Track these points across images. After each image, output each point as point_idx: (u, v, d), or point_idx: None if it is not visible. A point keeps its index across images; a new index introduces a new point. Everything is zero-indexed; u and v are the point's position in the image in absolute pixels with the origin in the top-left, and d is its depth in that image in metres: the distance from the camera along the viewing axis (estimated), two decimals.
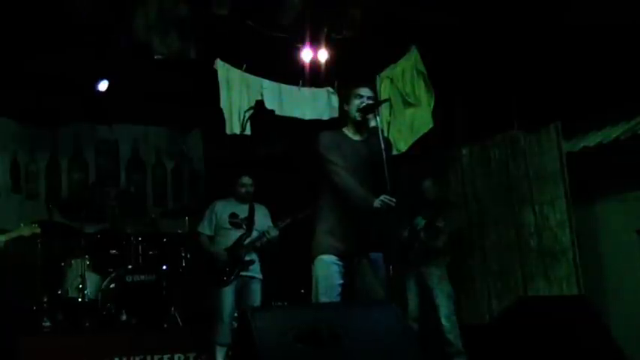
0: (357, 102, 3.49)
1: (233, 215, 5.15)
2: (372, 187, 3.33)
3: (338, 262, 3.39)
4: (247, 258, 5.02)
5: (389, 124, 5.40)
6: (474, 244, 5.85)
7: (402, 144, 5.51)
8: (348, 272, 3.43)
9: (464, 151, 6.01)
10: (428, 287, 5.22)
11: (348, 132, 3.53)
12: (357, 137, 3.52)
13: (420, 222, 5.31)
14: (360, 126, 3.47)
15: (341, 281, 3.39)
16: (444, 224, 5.22)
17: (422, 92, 5.46)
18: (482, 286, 5.74)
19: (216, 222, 5.13)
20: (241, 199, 5.20)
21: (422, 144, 5.56)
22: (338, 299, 3.36)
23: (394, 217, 3.32)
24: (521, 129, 5.52)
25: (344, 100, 3.62)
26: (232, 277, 4.92)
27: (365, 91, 3.53)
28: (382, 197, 3.22)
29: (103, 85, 6.00)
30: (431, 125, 5.42)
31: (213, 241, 5.13)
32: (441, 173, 6.05)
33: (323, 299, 3.35)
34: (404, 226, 5.34)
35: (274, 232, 4.99)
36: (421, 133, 5.46)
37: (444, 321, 5.07)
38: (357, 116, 3.45)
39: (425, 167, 6.10)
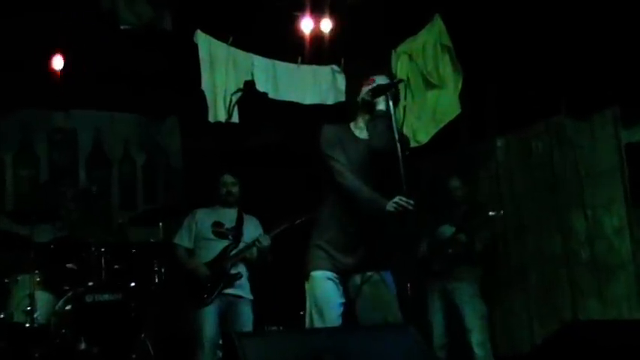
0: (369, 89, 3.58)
1: (217, 224, 5.21)
2: (383, 189, 3.39)
3: (335, 279, 3.46)
4: (233, 271, 5.07)
5: (404, 108, 5.50)
6: (510, 255, 5.89)
7: (422, 134, 5.58)
8: (351, 290, 3.49)
9: (498, 143, 6.03)
10: (456, 307, 5.29)
11: (355, 128, 3.62)
12: (362, 134, 3.61)
13: (447, 230, 5.35)
14: (370, 110, 3.54)
15: (341, 300, 3.46)
16: (477, 232, 5.29)
17: (447, 71, 5.50)
18: (521, 307, 5.76)
19: (196, 232, 5.21)
20: (226, 203, 5.27)
21: (446, 134, 5.58)
22: (339, 321, 3.42)
23: (412, 224, 3.35)
24: (570, 115, 5.55)
25: (353, 90, 3.70)
26: (215, 295, 4.97)
27: (382, 79, 3.61)
28: (396, 199, 3.25)
29: (57, 62, 5.91)
30: (458, 111, 5.47)
31: (193, 255, 5.21)
32: (470, 170, 6.08)
33: (318, 323, 3.40)
34: (424, 236, 5.41)
35: (266, 241, 5.02)
36: (446, 121, 5.51)
37: (476, 349, 5.11)
38: (368, 96, 3.52)
39: (450, 163, 6.19)
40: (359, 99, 3.61)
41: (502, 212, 5.29)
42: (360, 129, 3.63)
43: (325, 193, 3.59)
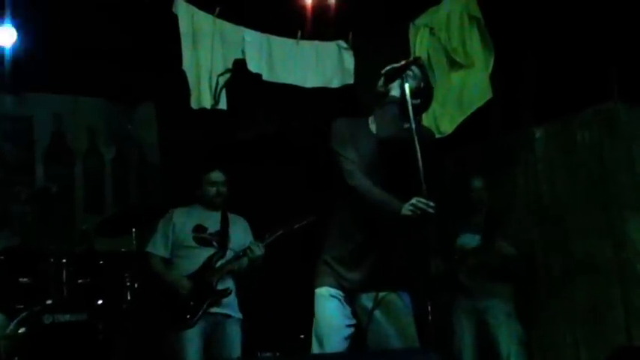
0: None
1: (199, 228, 5.21)
2: (400, 192, 3.39)
3: (340, 297, 3.51)
4: (220, 287, 5.06)
5: None
6: (550, 267, 5.85)
7: (445, 123, 5.57)
8: (360, 313, 3.52)
9: (537, 134, 5.99)
10: (489, 329, 5.30)
11: (372, 123, 3.64)
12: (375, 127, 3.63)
13: (469, 239, 5.40)
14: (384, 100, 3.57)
15: (348, 322, 3.50)
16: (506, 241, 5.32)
17: (475, 47, 5.50)
18: (565, 330, 5.72)
19: (174, 238, 5.21)
20: (210, 205, 5.28)
21: (475, 124, 5.56)
22: (344, 344, 3.46)
23: (434, 231, 3.47)
24: (623, 101, 5.51)
25: (363, 70, 3.73)
26: (199, 315, 4.96)
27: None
28: (414, 200, 3.25)
29: (7, 36, 5.92)
30: (488, 96, 5.45)
31: (170, 266, 5.21)
32: (502, 166, 6.05)
33: (316, 348, 3.45)
34: (443, 246, 5.45)
35: (259, 250, 5.03)
36: (474, 108, 5.49)
37: None
38: (381, 86, 3.54)
39: (479, 158, 6.17)
40: (376, 90, 3.61)
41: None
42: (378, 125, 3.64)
43: (336, 197, 3.62)
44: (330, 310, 3.49)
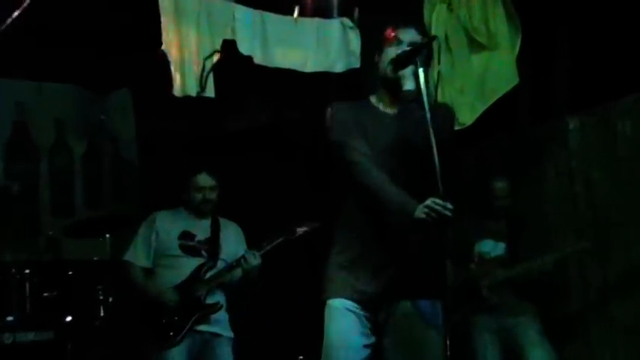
0: (392, 51, 3.51)
1: (186, 235, 5.23)
2: (416, 188, 3.34)
3: (359, 311, 3.44)
4: (209, 301, 5.06)
5: (439, 75, 5.52)
6: (587, 281, 5.84)
7: (465, 113, 5.55)
8: (380, 328, 3.46)
9: (571, 125, 6.00)
10: (517, 350, 5.30)
11: (378, 102, 3.61)
12: (391, 110, 3.60)
13: (491, 249, 5.42)
14: (395, 90, 3.52)
15: (366, 341, 3.42)
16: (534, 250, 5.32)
17: (500, 26, 5.49)
18: (604, 352, 5.73)
19: (157, 246, 5.22)
20: (198, 211, 5.29)
21: (499, 114, 5.54)
22: None
23: (450, 237, 3.28)
24: None
25: (375, 49, 3.65)
26: (184, 332, 4.95)
27: (409, 34, 3.54)
28: (429, 202, 3.19)
29: None
30: (515, 82, 5.45)
31: (152, 277, 5.22)
32: (531, 162, 6.02)
33: None
34: (460, 257, 5.42)
35: (255, 260, 5.02)
36: (498, 95, 5.48)
37: None
38: (389, 71, 3.48)
39: (504, 153, 6.16)
40: (381, 71, 3.55)
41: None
42: (385, 103, 3.60)
43: (341, 194, 3.57)
44: (346, 327, 3.42)
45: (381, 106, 3.57)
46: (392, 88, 3.50)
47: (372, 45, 3.76)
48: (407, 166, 3.42)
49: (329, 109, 3.53)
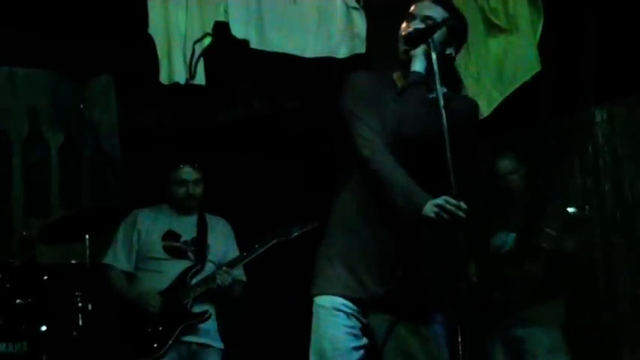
0: (404, 27, 3.52)
1: (170, 235, 5.21)
2: (429, 183, 3.28)
3: (349, 308, 3.36)
4: (197, 308, 5.04)
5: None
6: (615, 281, 5.77)
7: (482, 103, 5.42)
8: (373, 330, 3.39)
9: (598, 117, 5.98)
10: None
11: (397, 80, 3.54)
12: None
13: (504, 241, 5.36)
14: (405, 70, 3.49)
15: (358, 343, 3.36)
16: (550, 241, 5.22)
17: (521, 8, 5.47)
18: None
19: (139, 247, 5.22)
20: (181, 207, 5.27)
21: (520, 103, 5.55)
22: None
23: (463, 239, 3.22)
24: None
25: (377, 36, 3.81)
26: (170, 343, 4.92)
27: (426, 10, 3.48)
28: (441, 200, 3.14)
29: None
30: (537, 69, 5.42)
31: (134, 282, 5.20)
32: (555, 158, 6.04)
33: None
34: (476, 257, 5.41)
35: (226, 278, 4.99)
36: (519, 83, 5.46)
37: None
38: (400, 49, 3.46)
39: (525, 146, 6.08)
40: (399, 50, 3.52)
41: (588, 208, 5.42)
42: (401, 83, 3.52)
43: (343, 174, 3.51)
44: (334, 329, 3.34)
45: (399, 85, 3.50)
46: (403, 67, 3.47)
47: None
48: (420, 155, 3.33)
49: (352, 75, 3.49)
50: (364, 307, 3.39)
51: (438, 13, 3.44)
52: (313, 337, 3.42)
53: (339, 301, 3.36)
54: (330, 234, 3.51)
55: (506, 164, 5.47)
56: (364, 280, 3.38)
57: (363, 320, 3.39)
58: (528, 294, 5.24)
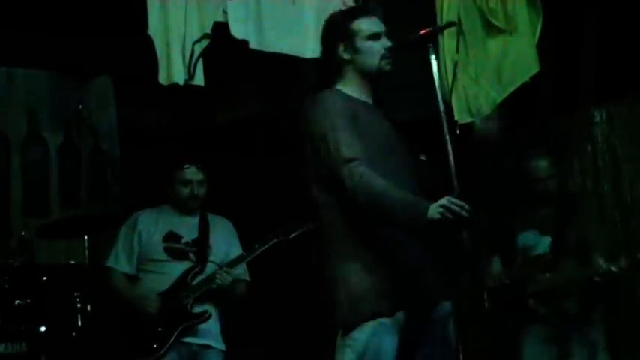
0: (378, 45, 3.59)
1: (171, 237, 5.27)
2: (418, 189, 3.41)
3: (395, 325, 3.34)
4: (198, 309, 5.09)
5: (455, 64, 5.51)
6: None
7: (480, 104, 5.56)
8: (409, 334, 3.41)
9: (597, 117, 6.05)
10: None
11: (354, 92, 3.59)
12: (370, 99, 3.64)
13: (533, 241, 5.41)
14: (377, 80, 3.61)
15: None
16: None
17: (519, 8, 5.49)
18: None
19: (141, 249, 5.27)
20: (184, 207, 5.32)
21: (518, 104, 5.59)
22: None
23: (467, 238, 3.33)
24: None
25: (338, 38, 3.67)
26: (169, 344, 4.99)
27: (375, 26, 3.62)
28: (444, 201, 3.19)
29: None
30: (535, 69, 5.43)
31: (135, 284, 5.26)
32: (553, 159, 5.96)
33: None
34: (495, 250, 5.48)
35: (225, 278, 5.05)
36: (517, 84, 5.47)
37: None
38: (383, 63, 3.52)
39: (524, 146, 6.17)
40: (367, 63, 3.60)
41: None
42: (361, 93, 3.61)
43: (330, 197, 3.61)
44: (386, 352, 3.33)
45: (363, 97, 3.57)
46: (375, 79, 3.57)
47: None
48: (406, 165, 3.47)
49: (316, 100, 3.55)
50: (400, 320, 3.38)
51: (381, 27, 3.61)
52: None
53: (385, 322, 3.33)
54: (339, 251, 3.46)
55: (544, 168, 5.52)
56: (394, 289, 3.36)
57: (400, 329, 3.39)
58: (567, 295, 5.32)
